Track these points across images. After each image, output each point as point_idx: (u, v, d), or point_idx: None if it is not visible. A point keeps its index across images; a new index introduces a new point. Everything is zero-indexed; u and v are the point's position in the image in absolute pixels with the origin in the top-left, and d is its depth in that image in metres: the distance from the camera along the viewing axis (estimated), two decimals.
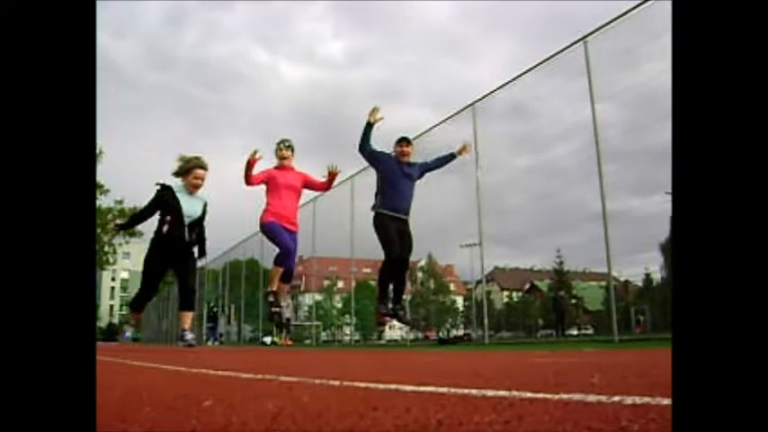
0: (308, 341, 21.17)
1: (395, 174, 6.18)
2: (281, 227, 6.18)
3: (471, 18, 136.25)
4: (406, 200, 6.21)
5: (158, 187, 6.20)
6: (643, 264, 46.34)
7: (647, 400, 1.04)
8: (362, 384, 1.56)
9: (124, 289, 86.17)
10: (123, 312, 79.79)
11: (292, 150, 6.51)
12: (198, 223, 6.28)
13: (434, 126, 11.10)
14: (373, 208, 6.20)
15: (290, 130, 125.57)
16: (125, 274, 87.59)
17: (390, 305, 6.20)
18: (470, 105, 10.01)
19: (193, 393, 1.45)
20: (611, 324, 7.32)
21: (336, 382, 1.67)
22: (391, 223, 6.01)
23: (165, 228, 5.99)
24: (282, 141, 6.53)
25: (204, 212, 6.39)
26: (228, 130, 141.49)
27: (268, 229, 6.19)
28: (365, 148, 6.10)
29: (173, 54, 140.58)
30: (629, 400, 1.05)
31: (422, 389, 1.41)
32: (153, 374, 2.61)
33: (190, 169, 6.22)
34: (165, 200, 6.09)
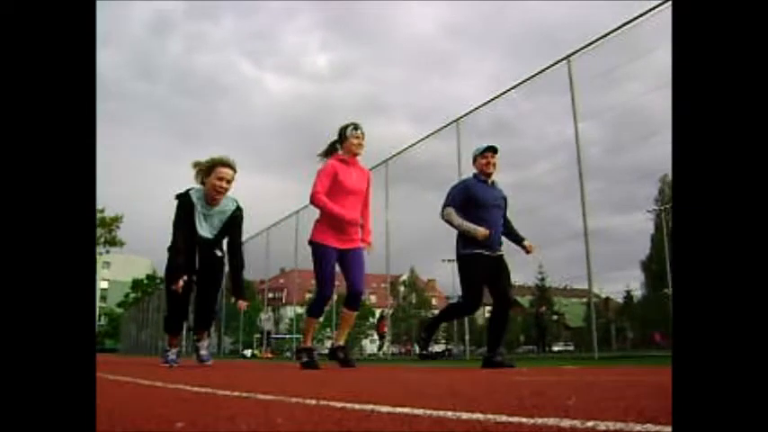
0: (288, 354, 20.98)
1: (485, 202, 5.12)
2: (332, 252, 4.87)
3: (457, 35, 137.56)
4: (498, 233, 5.18)
5: (177, 201, 5.10)
6: (624, 281, 47.04)
7: (620, 426, 1.04)
8: (338, 404, 1.55)
9: (104, 299, 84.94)
10: (102, 323, 78.62)
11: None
12: (214, 243, 5.25)
13: (419, 141, 11.16)
14: (461, 249, 5.12)
15: (273, 141, 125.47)
16: (104, 284, 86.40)
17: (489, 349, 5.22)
18: (455, 121, 10.07)
19: (166, 414, 1.42)
20: (591, 340, 7.35)
21: (313, 401, 1.65)
22: (483, 269, 5.03)
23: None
24: (354, 126, 4.95)
25: (225, 229, 5.16)
26: (212, 140, 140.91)
27: (317, 252, 4.92)
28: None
29: (156, 63, 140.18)
30: (602, 426, 1.05)
31: (398, 410, 1.39)
32: (127, 390, 2.57)
33: (212, 168, 4.97)
34: (183, 214, 5.03)
